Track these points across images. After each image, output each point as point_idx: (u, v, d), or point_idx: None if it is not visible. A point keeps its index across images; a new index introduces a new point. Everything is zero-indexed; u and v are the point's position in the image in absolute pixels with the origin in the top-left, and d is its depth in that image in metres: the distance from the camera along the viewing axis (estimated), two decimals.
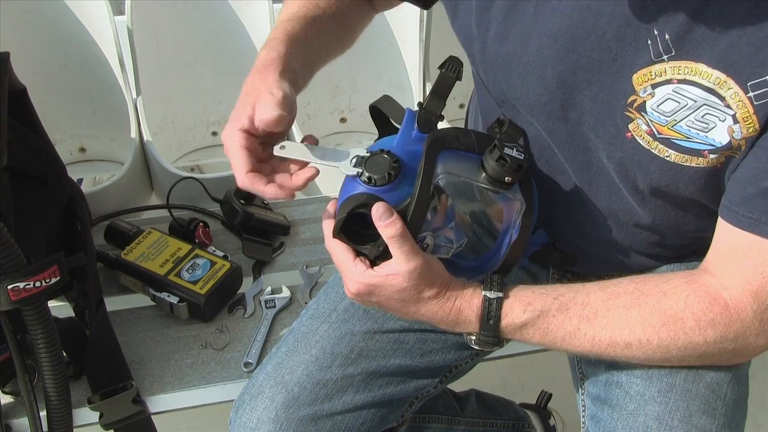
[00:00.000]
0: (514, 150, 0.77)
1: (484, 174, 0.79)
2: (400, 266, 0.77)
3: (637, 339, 0.79)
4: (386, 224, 0.75)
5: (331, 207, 0.82)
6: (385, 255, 0.78)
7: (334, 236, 0.79)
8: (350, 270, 0.80)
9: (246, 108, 0.79)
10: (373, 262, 0.80)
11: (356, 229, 0.79)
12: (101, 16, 1.49)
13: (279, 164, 0.82)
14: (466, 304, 0.82)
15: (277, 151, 0.79)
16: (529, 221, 0.83)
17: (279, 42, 0.87)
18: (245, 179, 0.78)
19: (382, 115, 0.90)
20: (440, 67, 0.82)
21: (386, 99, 0.90)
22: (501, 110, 0.91)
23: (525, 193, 0.81)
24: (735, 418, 0.87)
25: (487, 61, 0.85)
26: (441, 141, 0.79)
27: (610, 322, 0.80)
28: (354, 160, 0.78)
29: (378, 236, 0.77)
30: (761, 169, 0.73)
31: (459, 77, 0.82)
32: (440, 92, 0.81)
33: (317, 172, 0.80)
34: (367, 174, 0.77)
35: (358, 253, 0.80)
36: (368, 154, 0.78)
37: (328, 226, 0.81)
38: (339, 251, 0.80)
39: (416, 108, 0.82)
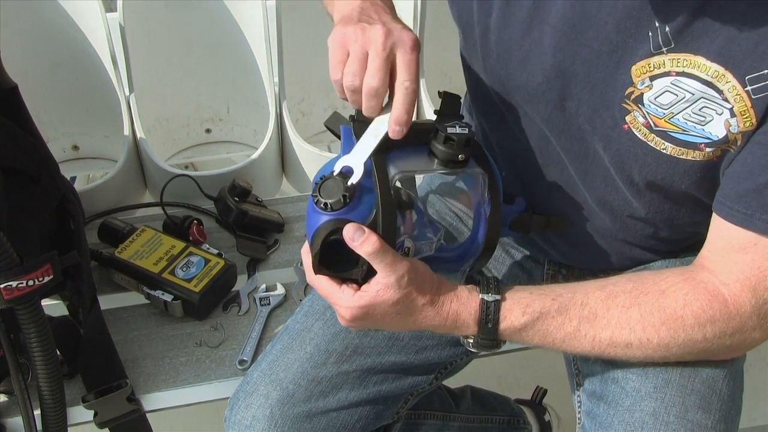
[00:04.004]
0: (457, 127, 0.76)
1: (436, 161, 0.78)
2: (387, 278, 0.75)
3: (638, 338, 0.79)
4: (361, 243, 0.73)
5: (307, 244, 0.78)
6: (371, 274, 0.76)
7: (315, 273, 0.76)
8: (339, 298, 0.77)
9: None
10: (361, 285, 0.77)
11: (335, 258, 0.76)
12: (93, 13, 1.48)
13: None
14: (463, 308, 0.80)
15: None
16: (496, 190, 0.82)
17: None
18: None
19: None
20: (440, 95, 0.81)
21: (335, 116, 0.87)
22: (497, 101, 0.90)
23: (482, 165, 0.81)
24: (730, 413, 0.87)
25: (488, 46, 0.85)
26: (383, 144, 0.76)
27: (610, 322, 0.79)
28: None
29: (358, 258, 0.74)
30: (756, 164, 0.73)
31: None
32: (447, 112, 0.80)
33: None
34: (323, 201, 0.74)
35: (344, 281, 0.78)
36: (320, 180, 0.74)
37: (308, 261, 0.77)
38: (323, 284, 0.78)
39: (350, 123, 0.79)
